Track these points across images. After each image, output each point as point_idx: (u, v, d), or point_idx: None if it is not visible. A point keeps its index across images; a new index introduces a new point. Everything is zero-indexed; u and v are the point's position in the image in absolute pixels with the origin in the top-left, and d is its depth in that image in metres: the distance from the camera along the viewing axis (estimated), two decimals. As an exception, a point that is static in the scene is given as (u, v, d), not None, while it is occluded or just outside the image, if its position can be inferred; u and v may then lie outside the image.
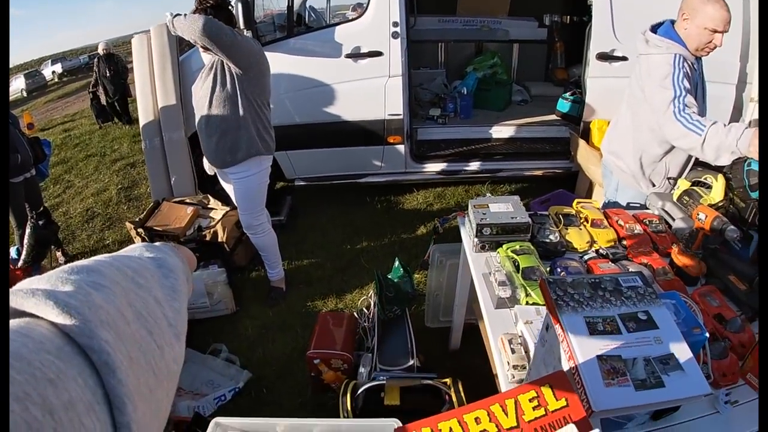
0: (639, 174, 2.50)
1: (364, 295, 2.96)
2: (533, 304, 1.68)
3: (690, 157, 2.41)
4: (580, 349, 1.03)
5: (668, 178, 2.53)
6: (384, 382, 2.17)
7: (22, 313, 0.42)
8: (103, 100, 8.94)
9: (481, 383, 2.50)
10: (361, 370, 2.33)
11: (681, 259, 1.90)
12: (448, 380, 2.18)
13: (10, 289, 0.43)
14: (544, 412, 1.04)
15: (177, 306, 0.59)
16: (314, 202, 4.39)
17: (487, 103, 5.15)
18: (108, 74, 8.63)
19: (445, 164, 4.33)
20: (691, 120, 2.07)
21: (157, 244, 0.75)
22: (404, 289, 2.64)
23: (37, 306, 0.41)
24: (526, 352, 1.49)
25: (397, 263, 2.93)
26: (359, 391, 2.17)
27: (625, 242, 2.06)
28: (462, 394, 2.10)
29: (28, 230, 3.35)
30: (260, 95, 2.73)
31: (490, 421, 1.04)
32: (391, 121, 3.94)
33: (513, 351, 1.46)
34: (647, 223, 2.16)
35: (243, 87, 2.64)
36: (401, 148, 4.08)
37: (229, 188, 3.02)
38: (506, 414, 1.05)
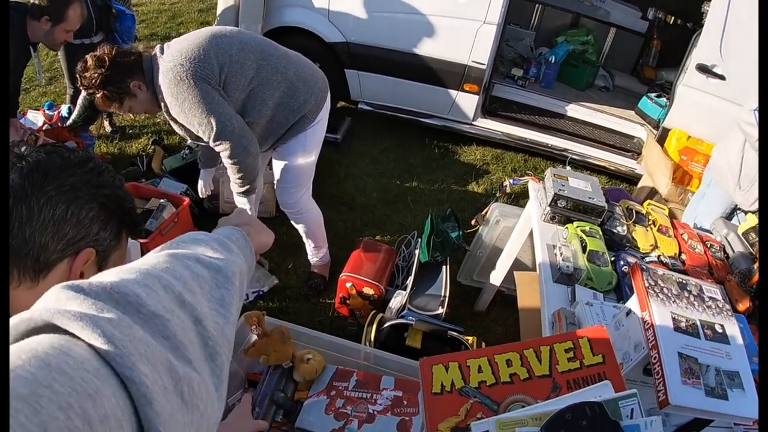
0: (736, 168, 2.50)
1: (404, 232, 2.95)
2: (591, 288, 1.67)
3: None
4: (664, 341, 1.02)
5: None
6: (412, 322, 2.20)
7: (58, 328, 0.45)
8: None
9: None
10: (391, 305, 2.35)
11: (734, 292, 1.86)
12: (472, 338, 2.19)
13: (55, 307, 0.46)
14: (579, 365, 1.01)
15: (220, 322, 0.60)
16: (372, 129, 4.31)
17: (569, 78, 4.95)
18: None
19: (513, 127, 4.20)
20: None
21: (229, 232, 0.76)
22: (452, 238, 2.63)
23: (82, 330, 0.44)
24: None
25: (449, 211, 2.91)
26: (385, 325, 2.20)
27: (684, 257, 2.02)
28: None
29: (83, 92, 3.34)
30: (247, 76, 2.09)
31: (522, 365, 1.02)
32: (473, 69, 3.81)
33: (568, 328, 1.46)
34: (708, 246, 2.11)
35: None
36: (474, 98, 3.96)
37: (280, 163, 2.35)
38: (539, 361, 1.03)
